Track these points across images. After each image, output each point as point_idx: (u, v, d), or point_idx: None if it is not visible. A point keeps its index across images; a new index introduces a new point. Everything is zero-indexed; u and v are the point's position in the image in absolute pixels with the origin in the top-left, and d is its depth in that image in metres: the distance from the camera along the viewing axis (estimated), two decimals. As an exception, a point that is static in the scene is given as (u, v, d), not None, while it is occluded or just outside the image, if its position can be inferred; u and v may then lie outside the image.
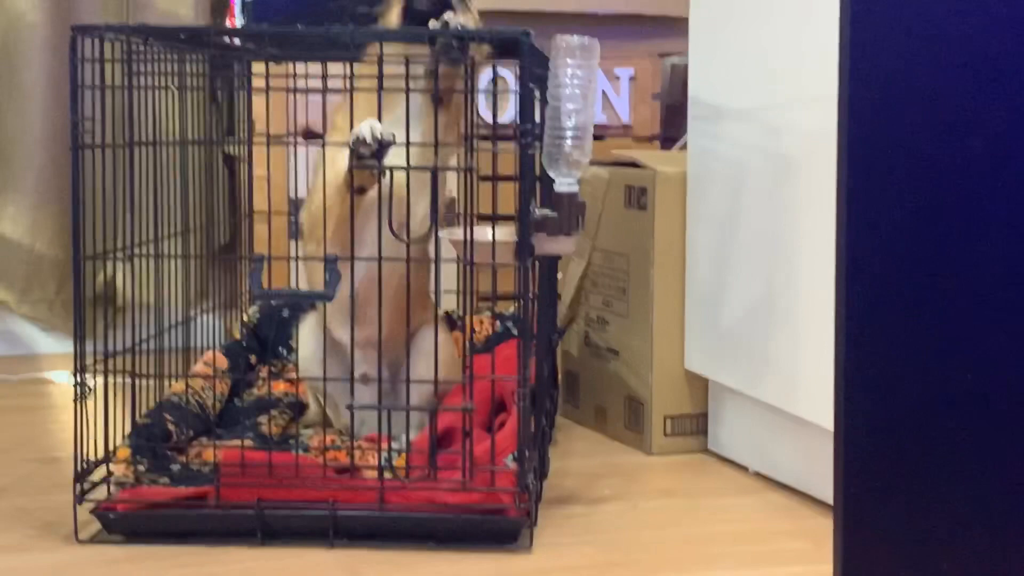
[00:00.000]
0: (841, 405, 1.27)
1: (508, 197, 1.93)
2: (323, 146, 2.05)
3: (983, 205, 1.19)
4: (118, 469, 1.93)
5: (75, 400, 1.89)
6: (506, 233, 1.91)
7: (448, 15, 2.00)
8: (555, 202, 1.89)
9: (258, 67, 2.34)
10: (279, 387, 2.44)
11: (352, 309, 1.97)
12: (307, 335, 2.23)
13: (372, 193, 1.98)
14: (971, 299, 1.20)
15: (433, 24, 1.99)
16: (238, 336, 2.59)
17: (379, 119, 1.92)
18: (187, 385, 2.20)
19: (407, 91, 1.91)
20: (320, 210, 2.02)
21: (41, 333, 3.24)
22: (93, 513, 1.89)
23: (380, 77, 1.89)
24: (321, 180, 2.02)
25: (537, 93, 1.96)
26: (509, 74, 2.84)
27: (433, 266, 1.98)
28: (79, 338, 1.91)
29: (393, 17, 2.15)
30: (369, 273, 1.98)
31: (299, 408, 2.31)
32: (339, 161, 2.01)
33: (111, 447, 1.94)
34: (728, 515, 2.08)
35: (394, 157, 1.93)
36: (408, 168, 1.90)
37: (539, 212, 1.89)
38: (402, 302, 2.05)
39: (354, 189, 1.97)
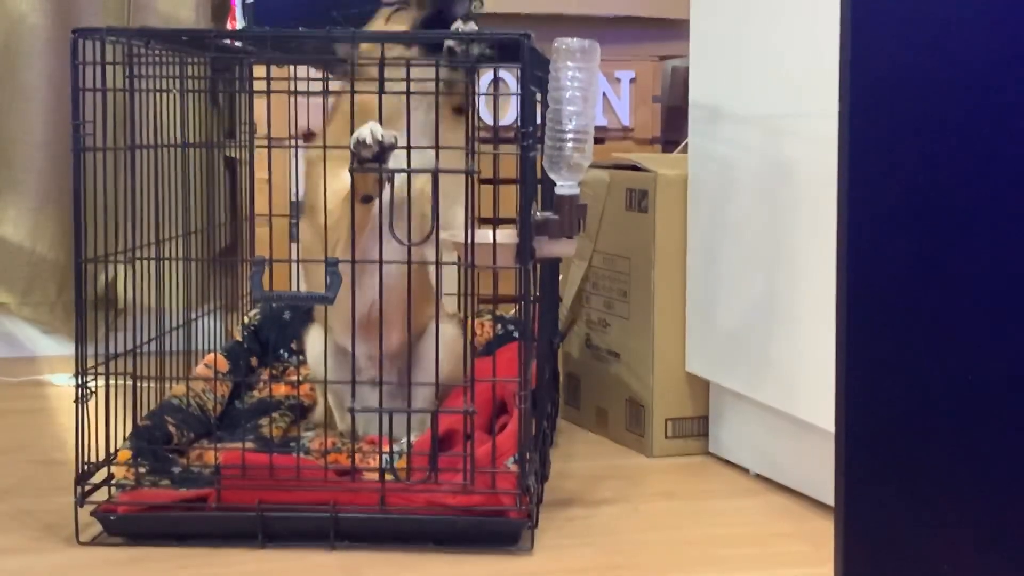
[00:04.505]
0: (842, 407, 1.27)
1: (509, 200, 1.93)
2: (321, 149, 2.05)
3: (983, 206, 1.19)
4: (119, 471, 1.94)
5: (76, 402, 1.89)
6: (507, 235, 1.91)
7: (457, 24, 2.00)
8: (556, 205, 1.89)
9: (259, 70, 2.34)
10: (280, 389, 2.44)
11: (379, 327, 1.97)
12: (314, 339, 2.23)
13: (386, 200, 1.98)
14: (971, 300, 1.20)
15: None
16: (239, 338, 2.59)
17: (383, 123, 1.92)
18: (188, 387, 2.20)
19: (407, 94, 1.91)
20: (332, 223, 2.00)
21: (42, 335, 3.24)
22: (94, 515, 1.89)
23: (381, 80, 1.89)
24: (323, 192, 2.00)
25: (538, 96, 1.97)
26: (510, 77, 2.84)
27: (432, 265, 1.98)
28: (80, 340, 1.91)
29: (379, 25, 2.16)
30: (388, 289, 1.97)
31: (300, 410, 2.31)
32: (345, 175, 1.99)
33: (112, 449, 1.94)
34: (729, 517, 2.08)
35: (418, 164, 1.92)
36: (408, 171, 1.90)
37: (540, 215, 1.89)
38: (417, 311, 2.04)
39: (357, 197, 1.96)
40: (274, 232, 2.36)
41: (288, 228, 2.82)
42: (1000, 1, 1.17)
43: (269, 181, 2.13)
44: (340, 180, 1.99)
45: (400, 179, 1.95)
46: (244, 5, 3.04)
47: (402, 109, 1.92)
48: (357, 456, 1.99)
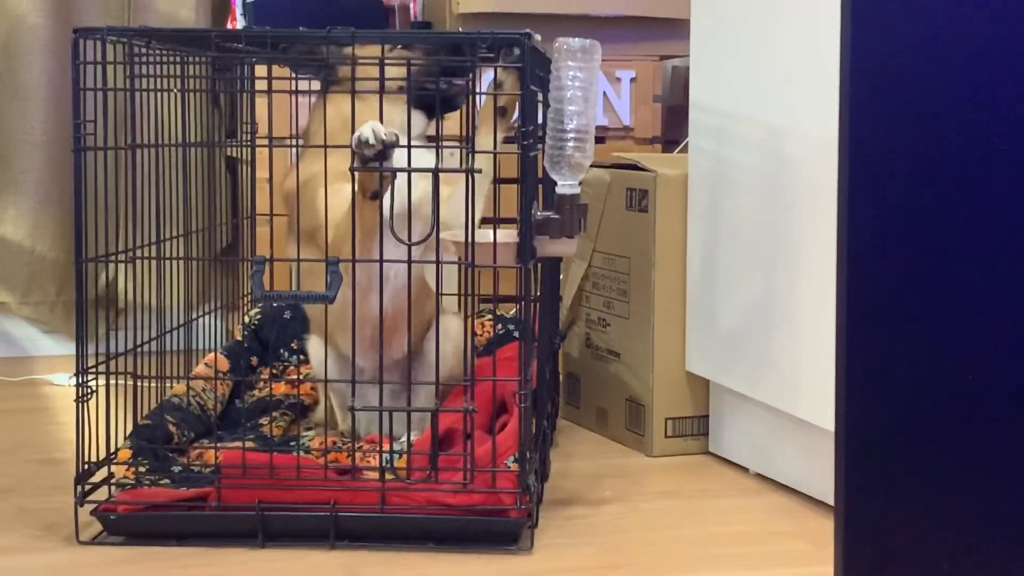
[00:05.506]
0: (841, 406, 1.28)
1: (510, 199, 1.93)
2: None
3: (983, 207, 1.19)
4: (119, 470, 1.94)
5: (77, 401, 1.89)
6: (508, 235, 1.91)
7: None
8: (557, 204, 1.89)
9: (260, 69, 2.34)
10: (280, 389, 2.44)
11: (380, 336, 1.97)
12: (316, 343, 2.22)
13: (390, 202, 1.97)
14: (971, 300, 1.20)
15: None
16: (240, 338, 2.59)
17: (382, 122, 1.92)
18: (188, 387, 2.20)
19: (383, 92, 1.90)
20: (341, 235, 1.98)
21: (42, 335, 3.24)
22: (94, 514, 1.89)
23: (382, 80, 1.89)
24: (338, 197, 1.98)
25: (539, 95, 1.97)
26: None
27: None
28: (81, 340, 1.91)
29: None
30: (395, 298, 1.97)
31: (300, 410, 2.31)
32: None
33: (112, 448, 1.94)
34: (729, 516, 2.09)
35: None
36: (408, 170, 1.90)
37: (541, 214, 1.89)
38: (421, 311, 2.04)
39: (365, 195, 1.96)
40: (275, 231, 2.36)
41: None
42: (1000, 1, 1.17)
43: (270, 180, 2.13)
44: (340, 195, 1.97)
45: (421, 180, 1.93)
46: (244, 5, 3.04)
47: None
48: (357, 455, 1.99)
